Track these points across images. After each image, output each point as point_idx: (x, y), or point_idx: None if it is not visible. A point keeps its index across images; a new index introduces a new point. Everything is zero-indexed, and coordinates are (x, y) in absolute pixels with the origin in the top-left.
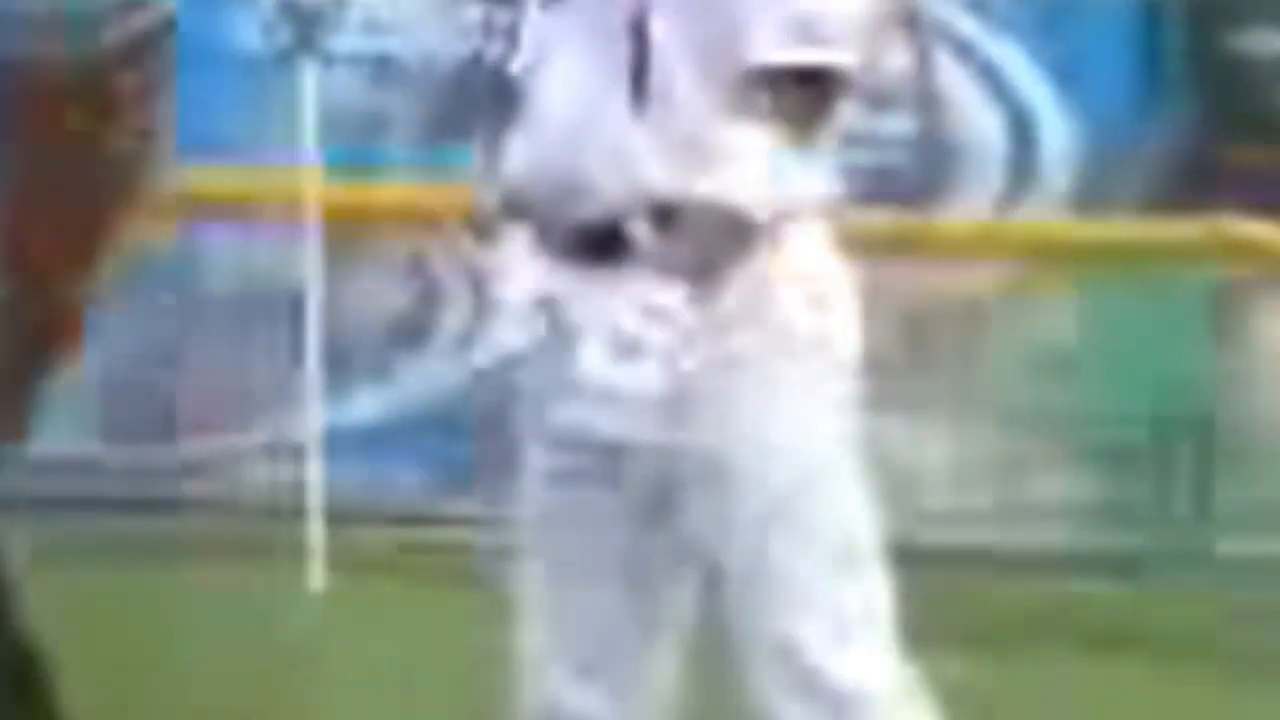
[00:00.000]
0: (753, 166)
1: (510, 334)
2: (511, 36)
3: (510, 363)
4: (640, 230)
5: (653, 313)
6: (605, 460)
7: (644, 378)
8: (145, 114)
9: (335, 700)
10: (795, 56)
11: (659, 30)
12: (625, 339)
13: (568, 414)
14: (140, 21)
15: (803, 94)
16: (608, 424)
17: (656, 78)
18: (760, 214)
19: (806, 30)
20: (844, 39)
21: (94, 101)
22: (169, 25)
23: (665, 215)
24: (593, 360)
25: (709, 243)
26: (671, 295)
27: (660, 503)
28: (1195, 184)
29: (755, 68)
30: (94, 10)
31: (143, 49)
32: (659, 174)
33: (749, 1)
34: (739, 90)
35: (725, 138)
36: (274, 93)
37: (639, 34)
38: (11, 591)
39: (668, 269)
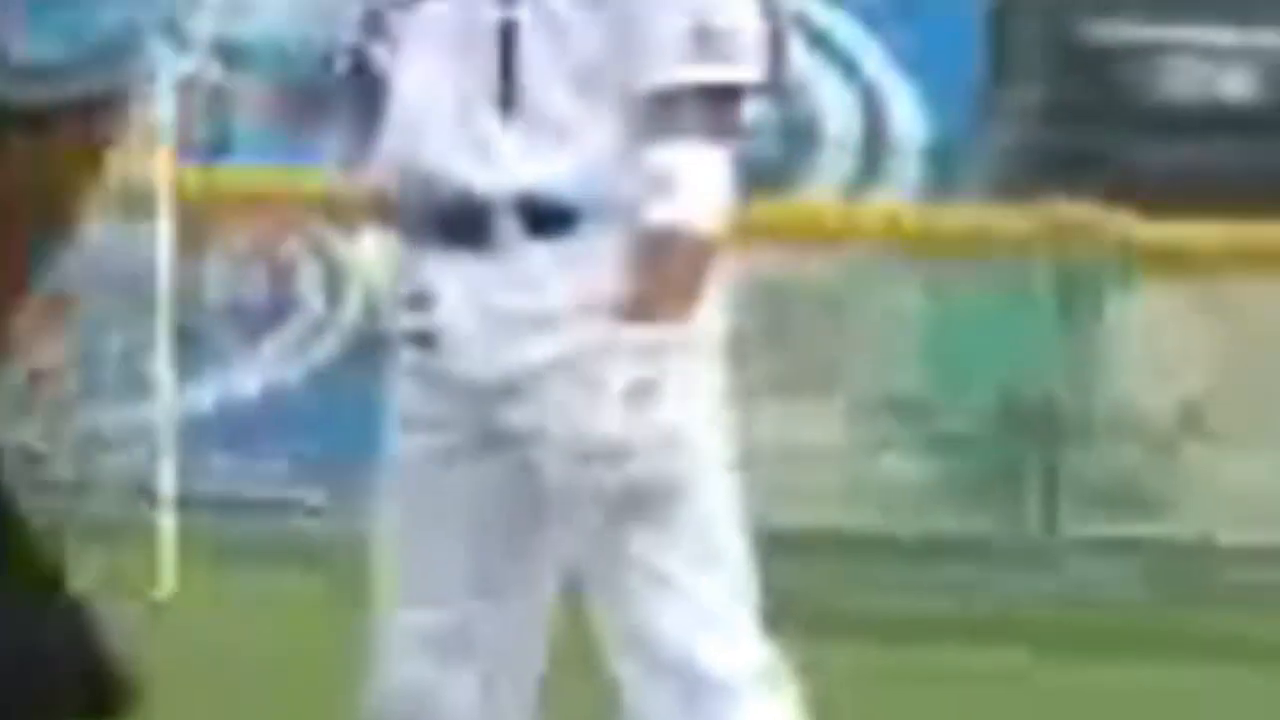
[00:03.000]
0: (702, 187)
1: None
2: (368, 26)
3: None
4: (508, 225)
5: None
6: (485, 440)
7: (612, 417)
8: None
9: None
10: (702, 75)
11: (529, 40)
12: (628, 385)
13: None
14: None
15: (709, 108)
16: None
17: (527, 84)
18: (715, 229)
19: (710, 46)
20: (747, 53)
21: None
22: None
23: (564, 221)
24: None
25: (674, 267)
26: (648, 331)
27: (533, 486)
28: (1043, 171)
29: (661, 86)
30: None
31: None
32: (527, 173)
33: (645, 17)
34: (644, 108)
35: (670, 162)
36: None
37: (506, 42)
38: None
39: (642, 303)
